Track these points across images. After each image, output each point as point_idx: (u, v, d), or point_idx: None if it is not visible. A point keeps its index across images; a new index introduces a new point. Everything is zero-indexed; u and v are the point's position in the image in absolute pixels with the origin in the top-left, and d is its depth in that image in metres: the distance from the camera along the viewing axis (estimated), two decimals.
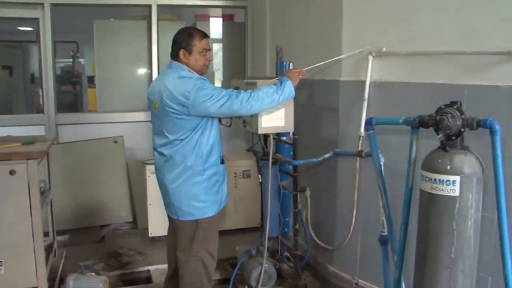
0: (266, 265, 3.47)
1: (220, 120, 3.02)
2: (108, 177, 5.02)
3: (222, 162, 2.94)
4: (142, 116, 5.42)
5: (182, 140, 2.76)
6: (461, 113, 2.03)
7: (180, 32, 2.89)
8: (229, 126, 3.37)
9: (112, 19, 6.47)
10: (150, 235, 4.55)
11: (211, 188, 2.86)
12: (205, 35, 2.88)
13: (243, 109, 2.73)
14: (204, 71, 2.90)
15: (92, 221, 4.95)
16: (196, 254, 2.89)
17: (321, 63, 3.28)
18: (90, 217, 4.93)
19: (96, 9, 5.86)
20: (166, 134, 2.79)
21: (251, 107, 2.73)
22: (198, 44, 2.81)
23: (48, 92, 5.23)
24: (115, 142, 5.06)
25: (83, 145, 5.01)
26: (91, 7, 5.53)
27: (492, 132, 1.98)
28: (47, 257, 3.51)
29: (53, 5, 5.11)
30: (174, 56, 2.87)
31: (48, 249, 3.88)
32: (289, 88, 2.82)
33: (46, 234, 3.89)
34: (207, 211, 2.86)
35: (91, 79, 7.15)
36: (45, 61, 5.18)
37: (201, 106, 2.66)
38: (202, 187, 2.83)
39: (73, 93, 8.62)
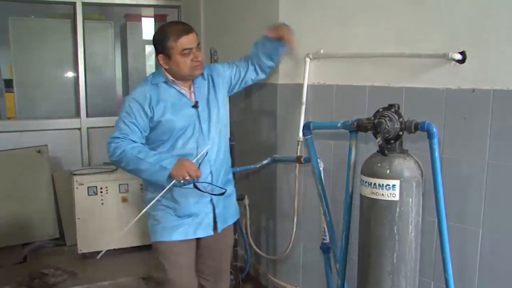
0: None
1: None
2: (31, 190, 4.78)
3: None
4: (69, 123, 5.21)
5: None
6: (399, 116, 2.07)
7: (155, 33, 2.58)
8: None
9: (32, 16, 6.18)
10: (79, 252, 4.38)
11: None
12: (184, 32, 2.46)
13: (112, 158, 2.46)
14: (195, 72, 2.55)
15: (12, 240, 4.69)
16: None
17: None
18: (9, 235, 4.66)
19: (12, 5, 5.56)
20: None
21: (117, 160, 2.45)
22: (175, 46, 2.44)
23: None
24: (38, 151, 4.83)
25: (2, 155, 4.74)
26: (6, 1, 5.27)
27: (430, 135, 2.05)
28: None
29: None
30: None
31: None
32: (162, 177, 2.39)
33: None
34: None
35: (8, 83, 6.71)
36: None
37: None
38: None
39: None
